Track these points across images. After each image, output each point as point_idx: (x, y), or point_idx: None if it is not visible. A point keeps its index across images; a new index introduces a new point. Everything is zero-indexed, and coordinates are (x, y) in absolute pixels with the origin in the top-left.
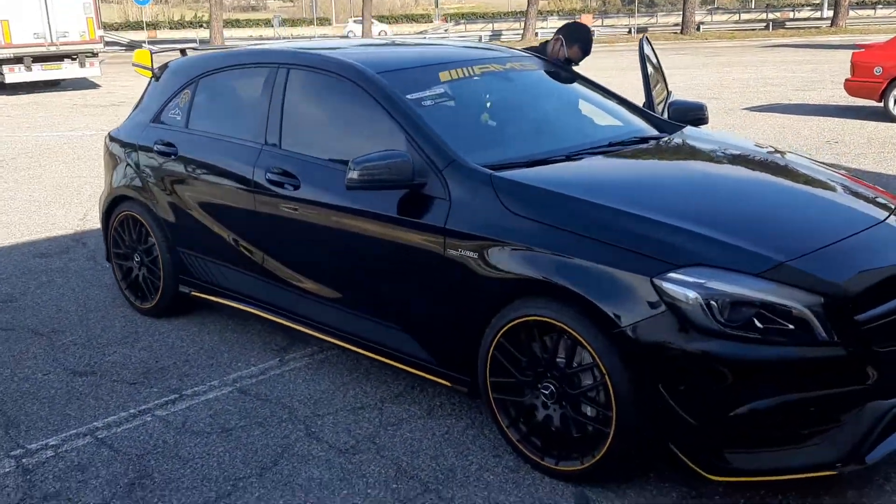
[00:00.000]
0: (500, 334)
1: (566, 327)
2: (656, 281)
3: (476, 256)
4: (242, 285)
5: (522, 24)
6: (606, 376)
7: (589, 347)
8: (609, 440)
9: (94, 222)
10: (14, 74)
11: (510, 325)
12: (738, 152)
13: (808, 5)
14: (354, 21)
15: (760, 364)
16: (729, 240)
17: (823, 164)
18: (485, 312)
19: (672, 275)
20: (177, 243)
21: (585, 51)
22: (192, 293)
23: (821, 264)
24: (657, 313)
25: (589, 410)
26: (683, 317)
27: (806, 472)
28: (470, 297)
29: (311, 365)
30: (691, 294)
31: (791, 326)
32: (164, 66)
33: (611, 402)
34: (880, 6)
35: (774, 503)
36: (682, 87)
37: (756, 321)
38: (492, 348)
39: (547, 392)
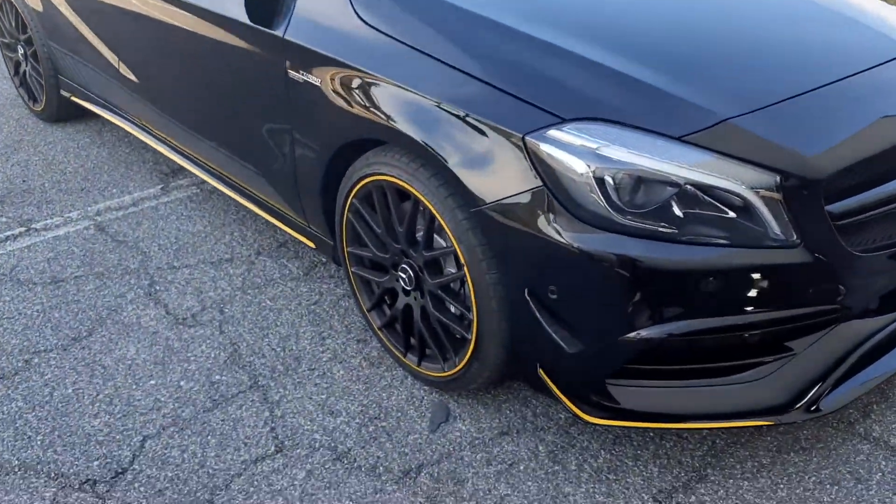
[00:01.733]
0: (352, 193)
1: (420, 196)
2: (530, 141)
3: (320, 83)
4: (110, 94)
5: None
6: (466, 268)
7: (446, 227)
8: (470, 349)
9: None
10: None
11: (362, 183)
12: None
13: None
14: None
15: (676, 271)
16: (657, 82)
17: None
18: (334, 161)
19: (553, 133)
20: (49, 37)
21: None
22: (72, 98)
23: (782, 124)
24: (530, 189)
25: (452, 308)
26: (566, 196)
27: (729, 422)
28: (318, 139)
29: (196, 197)
30: (579, 164)
31: (730, 215)
32: None
33: (471, 304)
34: None
35: (690, 448)
36: None
37: (675, 207)
38: (346, 210)
39: (405, 277)
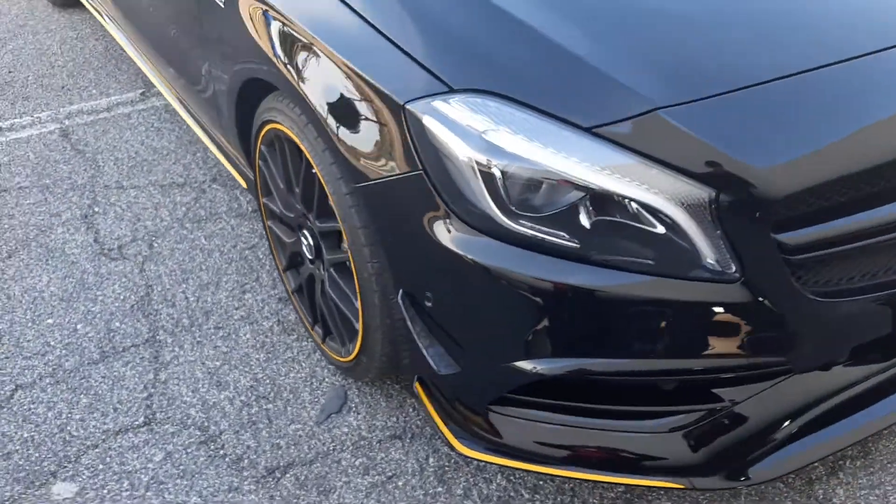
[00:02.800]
0: (259, 139)
1: (309, 157)
2: (410, 111)
3: (223, 5)
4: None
5: None
6: (349, 252)
7: (331, 199)
8: (358, 341)
9: None
10: None
11: (265, 129)
12: None
13: None
14: None
15: (576, 297)
16: (581, 49)
17: None
18: (241, 99)
19: (438, 105)
20: None
21: None
22: None
23: (731, 122)
24: (410, 173)
25: (347, 287)
26: (447, 186)
27: (629, 477)
28: (225, 72)
29: (171, 109)
30: (461, 148)
31: (656, 231)
32: None
33: (356, 290)
34: None
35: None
36: None
37: (582, 216)
38: (256, 157)
39: (307, 244)
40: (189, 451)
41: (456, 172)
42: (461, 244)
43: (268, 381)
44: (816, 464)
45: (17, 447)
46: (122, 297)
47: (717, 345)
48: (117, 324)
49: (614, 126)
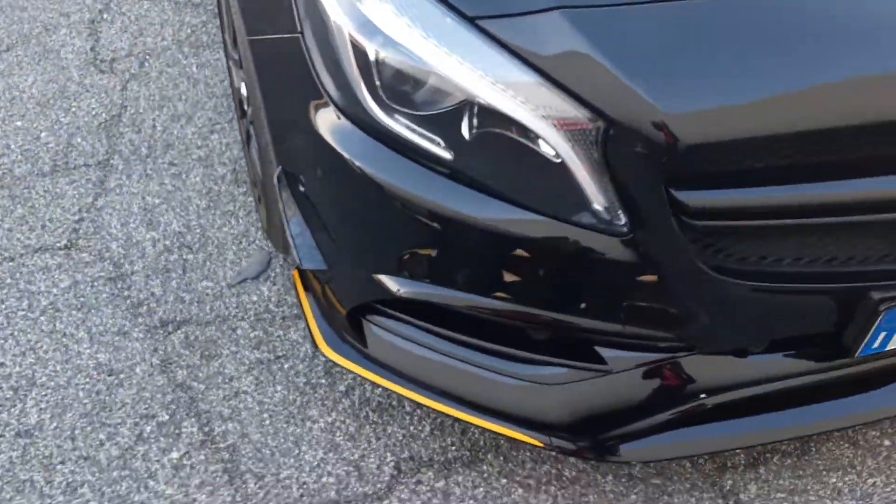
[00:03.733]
0: None
1: None
2: None
3: None
4: None
5: None
6: (249, 110)
7: (238, 46)
8: (263, 209)
9: None
10: None
11: None
12: None
13: None
14: None
15: (443, 221)
16: None
17: None
18: None
19: None
20: None
21: None
22: None
23: (645, 43)
24: (287, 35)
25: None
26: (323, 61)
27: (489, 421)
28: None
29: None
30: (336, 12)
31: (549, 157)
32: None
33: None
34: None
35: None
36: None
37: (465, 123)
38: None
39: (241, 93)
40: (95, 284)
41: (332, 41)
42: (330, 132)
43: (198, 230)
44: (737, 450)
45: None
46: (93, 113)
47: (594, 304)
48: (79, 139)
49: (504, 20)
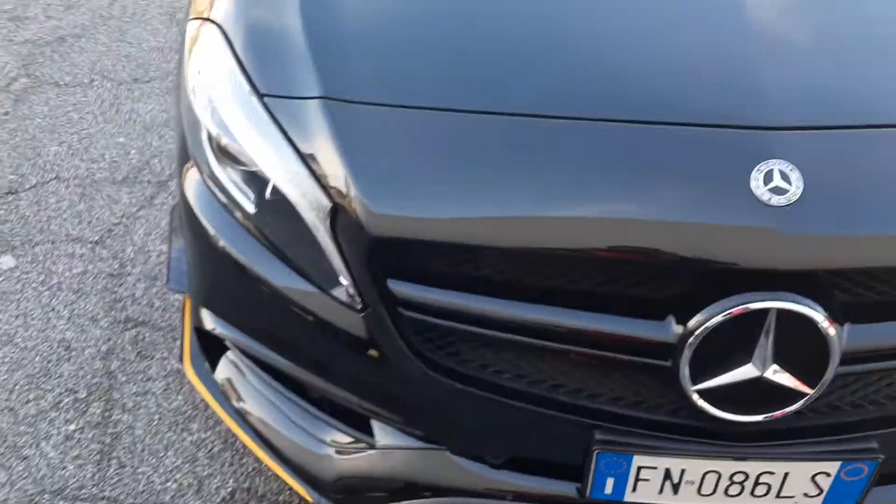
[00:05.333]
0: None
1: None
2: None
3: None
4: None
5: None
6: None
7: None
8: None
9: None
10: None
11: None
12: None
13: None
14: None
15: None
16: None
17: None
18: None
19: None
20: None
21: None
22: None
23: (380, 140)
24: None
25: None
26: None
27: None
28: None
29: None
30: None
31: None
32: None
33: None
34: None
35: None
36: None
37: (269, 187)
38: None
39: None
40: (98, 277)
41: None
42: (188, 179)
43: None
44: None
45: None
46: None
47: (342, 375)
48: (156, 161)
49: (285, 101)
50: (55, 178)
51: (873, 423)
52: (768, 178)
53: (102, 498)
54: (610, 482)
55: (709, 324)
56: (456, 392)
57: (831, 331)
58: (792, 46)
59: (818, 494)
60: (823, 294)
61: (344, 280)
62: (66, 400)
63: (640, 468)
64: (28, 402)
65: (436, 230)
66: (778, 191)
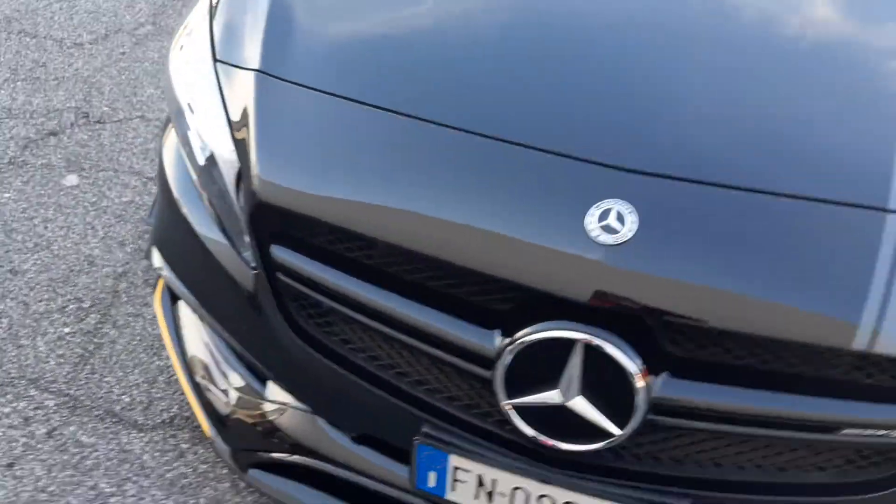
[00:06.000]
0: None
1: None
2: None
3: None
4: None
5: None
6: None
7: None
8: None
9: None
10: None
11: None
12: None
13: None
14: None
15: None
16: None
17: None
18: None
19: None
20: None
21: None
22: None
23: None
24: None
25: None
26: None
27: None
28: None
29: None
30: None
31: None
32: None
33: None
34: None
35: None
36: None
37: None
38: None
39: None
40: (140, 210)
41: None
42: (169, 134)
43: None
44: None
45: None
46: None
47: (238, 330)
48: None
49: (231, 68)
50: (140, 116)
51: (693, 483)
52: (604, 216)
53: (66, 395)
54: (433, 477)
55: (519, 343)
56: (317, 361)
57: (636, 373)
58: (687, 98)
59: None
60: (640, 338)
61: (247, 238)
62: (71, 306)
63: (456, 468)
64: (41, 300)
65: (315, 206)
66: (609, 229)
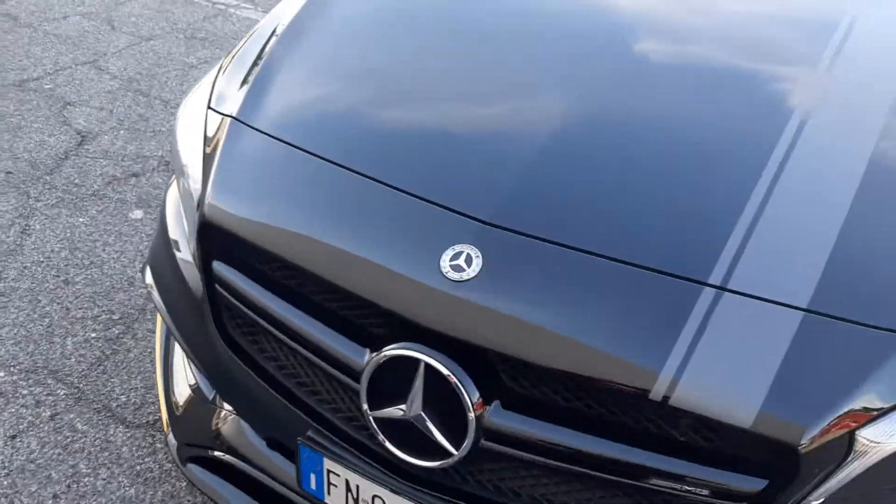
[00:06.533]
0: None
1: None
2: None
3: None
4: None
5: None
6: None
7: None
8: None
9: None
10: None
11: None
12: None
13: None
14: None
15: None
16: None
17: None
18: None
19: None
20: None
21: None
22: None
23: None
24: None
25: None
26: None
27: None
28: None
29: None
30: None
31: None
32: None
33: None
34: None
35: None
36: None
37: None
38: None
39: None
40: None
41: None
42: None
43: None
44: None
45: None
46: None
47: (187, 330)
48: None
49: (215, 114)
50: None
51: None
52: (456, 256)
53: (76, 388)
54: (314, 479)
55: (379, 358)
56: (238, 365)
57: (467, 397)
58: (552, 163)
59: None
60: (479, 367)
61: (193, 251)
62: (103, 316)
63: (329, 472)
64: (81, 308)
65: (246, 229)
66: (457, 268)
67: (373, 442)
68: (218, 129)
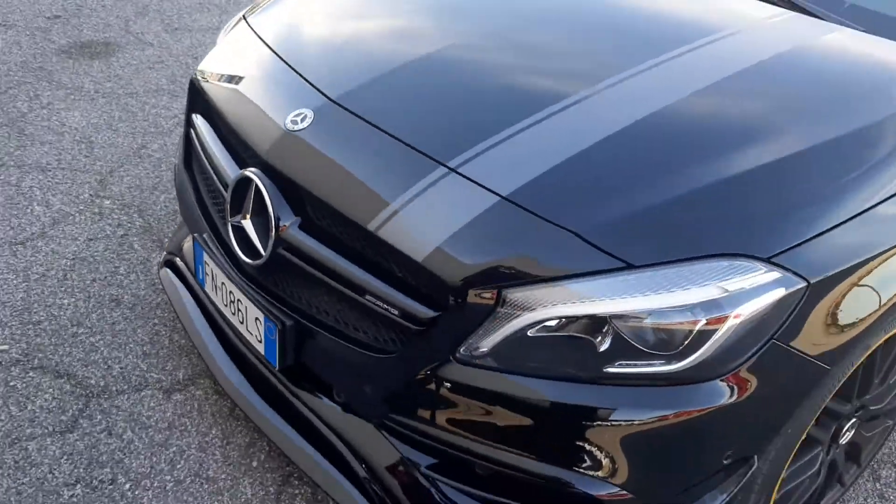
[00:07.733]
0: None
1: None
2: None
3: None
4: None
5: None
6: None
7: None
8: None
9: None
10: None
11: None
12: None
13: None
14: None
15: None
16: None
17: None
18: None
19: None
20: None
21: None
22: None
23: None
24: None
25: None
26: None
27: None
28: None
29: None
30: None
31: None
32: None
33: None
34: None
35: None
36: None
37: None
38: None
39: None
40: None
41: None
42: None
43: None
44: None
45: None
46: None
47: None
48: None
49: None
50: None
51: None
52: (297, 116)
53: (83, 384)
54: (200, 270)
55: (234, 176)
56: (185, 179)
57: (272, 212)
58: (412, 71)
59: (260, 341)
60: (288, 191)
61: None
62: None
63: (206, 263)
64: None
65: (207, 87)
66: (294, 122)
67: (226, 241)
68: (236, 24)
